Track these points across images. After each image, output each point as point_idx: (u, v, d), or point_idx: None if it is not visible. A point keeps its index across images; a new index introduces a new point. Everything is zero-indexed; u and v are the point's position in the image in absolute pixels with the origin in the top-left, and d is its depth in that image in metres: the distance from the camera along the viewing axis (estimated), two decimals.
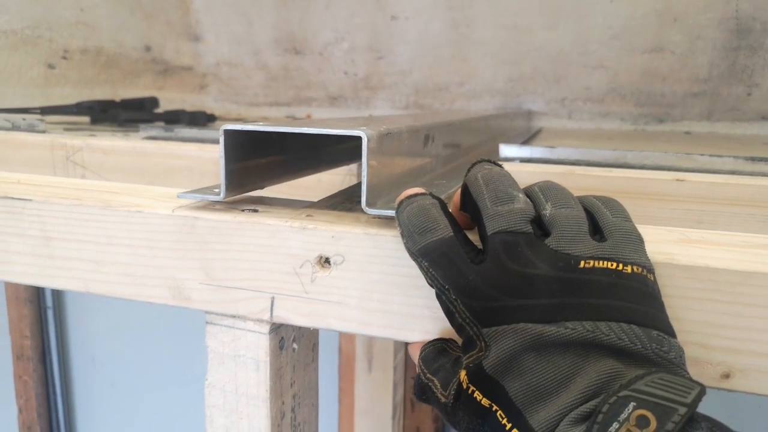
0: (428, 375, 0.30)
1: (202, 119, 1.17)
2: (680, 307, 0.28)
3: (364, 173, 0.32)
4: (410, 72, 1.58)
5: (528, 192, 0.30)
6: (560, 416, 0.23)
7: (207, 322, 0.37)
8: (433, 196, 0.31)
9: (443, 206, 0.30)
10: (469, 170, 0.31)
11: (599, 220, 0.28)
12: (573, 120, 1.47)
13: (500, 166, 0.32)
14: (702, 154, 0.57)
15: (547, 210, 0.28)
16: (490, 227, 0.28)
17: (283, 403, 0.38)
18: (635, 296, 0.25)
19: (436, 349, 0.31)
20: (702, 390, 0.22)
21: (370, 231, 0.32)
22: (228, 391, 0.37)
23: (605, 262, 0.26)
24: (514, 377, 0.25)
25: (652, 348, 0.24)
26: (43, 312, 1.32)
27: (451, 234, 0.28)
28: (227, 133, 0.34)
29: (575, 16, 1.40)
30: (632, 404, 0.21)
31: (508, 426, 0.24)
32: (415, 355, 0.32)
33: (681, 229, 0.34)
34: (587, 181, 0.57)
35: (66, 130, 0.98)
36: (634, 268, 0.26)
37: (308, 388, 0.41)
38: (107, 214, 0.37)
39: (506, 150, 0.62)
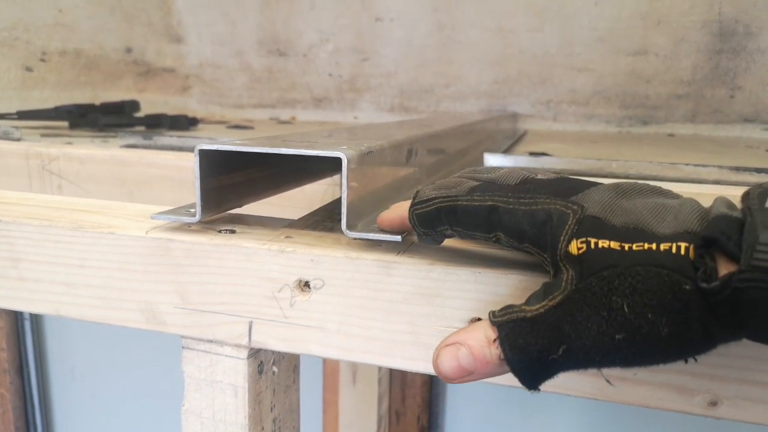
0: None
1: (183, 123, 1.15)
2: None
3: (344, 195, 0.31)
4: (395, 74, 1.57)
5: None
6: (698, 217, 0.23)
7: (183, 347, 0.36)
8: None
9: None
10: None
11: None
12: (558, 122, 1.47)
13: None
14: (687, 164, 0.57)
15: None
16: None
17: (262, 429, 0.37)
18: None
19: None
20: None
21: (350, 254, 0.31)
22: (205, 418, 0.36)
23: None
24: (619, 214, 0.24)
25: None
26: (19, 323, 1.29)
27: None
28: (202, 153, 0.33)
29: (560, 19, 1.40)
30: None
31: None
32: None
33: None
34: None
35: (43, 135, 0.95)
36: None
37: (289, 410, 0.40)
38: (78, 236, 0.36)
39: (491, 159, 0.62)
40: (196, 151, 0.33)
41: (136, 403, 1.33)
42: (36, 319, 1.33)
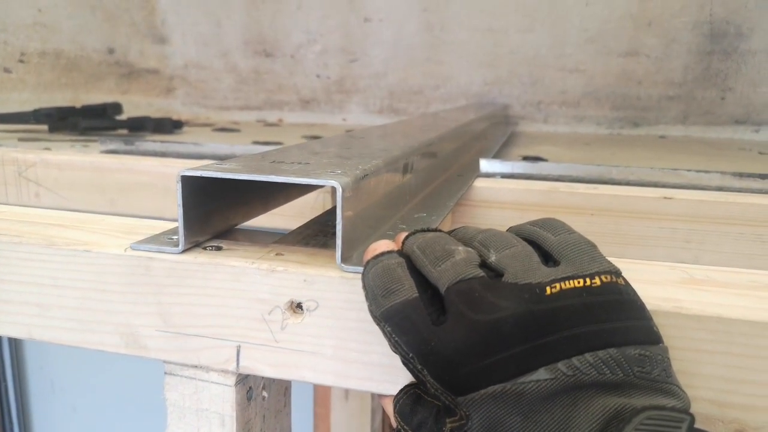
0: None
1: (168, 126, 1.12)
2: (690, 361, 0.26)
3: (339, 227, 0.29)
4: (384, 75, 1.55)
5: (469, 246, 0.28)
6: None
7: (166, 373, 0.33)
8: (400, 254, 0.28)
9: (410, 265, 0.27)
10: (403, 244, 0.29)
11: (544, 245, 0.27)
12: (549, 124, 1.46)
13: (434, 230, 0.30)
14: (689, 170, 0.55)
15: (493, 256, 0.27)
16: (442, 286, 0.26)
17: None
18: (611, 311, 0.24)
19: (411, 398, 0.28)
20: (691, 420, 0.21)
21: (347, 274, 0.29)
22: None
23: (570, 282, 0.24)
24: None
25: (634, 372, 0.23)
26: None
27: (416, 295, 0.26)
28: (185, 179, 0.30)
29: (551, 19, 1.39)
30: None
31: None
32: (389, 407, 0.29)
33: (682, 265, 0.32)
34: (571, 198, 0.55)
35: (21, 140, 0.92)
36: (602, 277, 0.24)
37: None
38: (51, 254, 0.33)
39: (487, 165, 0.60)
40: (178, 178, 0.30)
41: (119, 417, 1.29)
42: None
